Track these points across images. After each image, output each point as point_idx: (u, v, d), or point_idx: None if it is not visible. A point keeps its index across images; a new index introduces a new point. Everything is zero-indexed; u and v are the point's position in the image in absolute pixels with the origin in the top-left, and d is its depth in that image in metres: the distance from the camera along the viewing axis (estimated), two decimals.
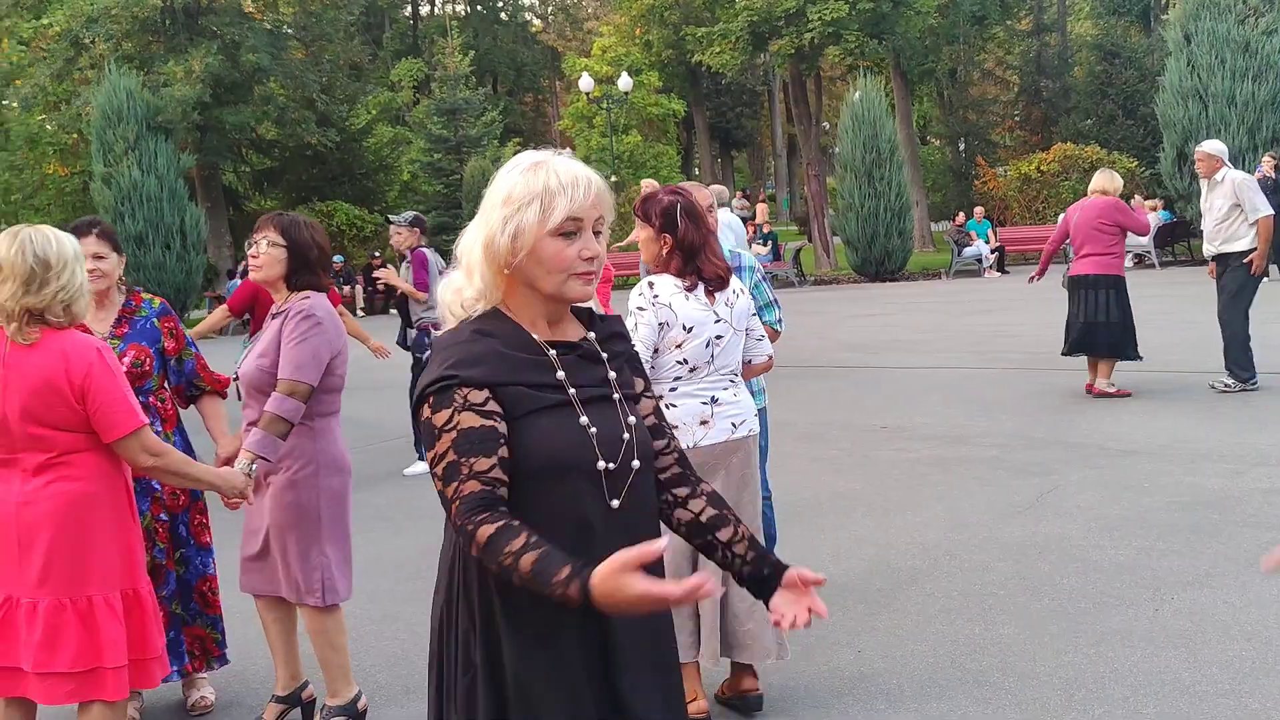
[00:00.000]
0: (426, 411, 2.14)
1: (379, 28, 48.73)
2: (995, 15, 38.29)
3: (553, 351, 2.22)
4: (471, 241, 2.22)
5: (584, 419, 2.19)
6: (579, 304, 2.26)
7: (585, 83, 35.01)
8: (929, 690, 4.48)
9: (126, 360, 4.41)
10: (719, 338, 4.25)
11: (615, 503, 2.20)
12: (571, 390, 2.21)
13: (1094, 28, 41.55)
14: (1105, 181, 10.39)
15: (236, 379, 4.45)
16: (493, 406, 2.13)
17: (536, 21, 63.27)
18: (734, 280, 4.38)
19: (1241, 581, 5.38)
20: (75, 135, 32.38)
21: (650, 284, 4.26)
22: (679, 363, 4.22)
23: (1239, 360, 9.69)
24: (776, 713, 4.38)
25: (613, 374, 2.29)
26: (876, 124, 27.37)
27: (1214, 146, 10.13)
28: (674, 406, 4.21)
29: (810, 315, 18.73)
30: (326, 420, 4.29)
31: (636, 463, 2.23)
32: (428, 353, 8.36)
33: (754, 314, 4.46)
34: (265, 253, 4.32)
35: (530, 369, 2.19)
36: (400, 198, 34.72)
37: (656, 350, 4.21)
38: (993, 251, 27.21)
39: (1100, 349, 10.11)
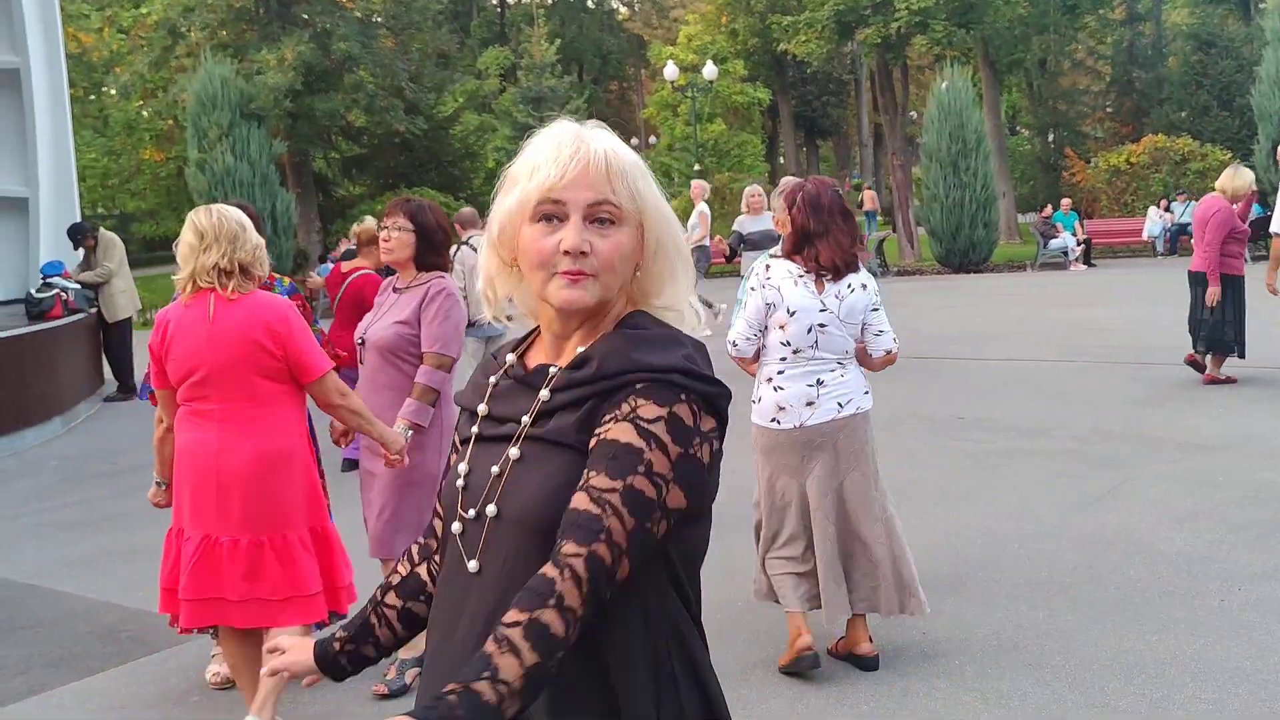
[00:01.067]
0: None
1: (466, 16, 49.23)
2: (1087, 4, 37.63)
3: (494, 377, 1.84)
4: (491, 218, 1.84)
5: (463, 463, 1.80)
6: (568, 311, 1.73)
7: (670, 71, 35.07)
8: (990, 671, 4.58)
9: None
10: (822, 325, 4.46)
11: (472, 564, 1.71)
12: (474, 428, 1.82)
13: (1190, 17, 40.70)
14: (1223, 180, 10.25)
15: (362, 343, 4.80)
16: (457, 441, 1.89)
17: (623, 9, 63.44)
18: (858, 275, 4.54)
19: None
20: (170, 121, 33.23)
21: (767, 265, 4.55)
22: (783, 344, 4.48)
23: None
24: (839, 690, 4.50)
25: (541, 411, 1.72)
26: (963, 114, 27.12)
27: None
28: (781, 389, 4.48)
29: (893, 307, 18.56)
30: (448, 391, 4.67)
31: (492, 509, 1.70)
32: None
33: (874, 309, 4.60)
34: (396, 236, 4.70)
35: (474, 396, 1.86)
36: (485, 185, 35.09)
37: (766, 329, 4.51)
38: (1079, 244, 26.87)
39: (1200, 343, 10.21)
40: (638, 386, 1.66)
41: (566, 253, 1.68)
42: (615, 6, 62.48)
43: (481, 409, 1.81)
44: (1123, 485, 7.16)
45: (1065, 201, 28.76)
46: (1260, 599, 5.16)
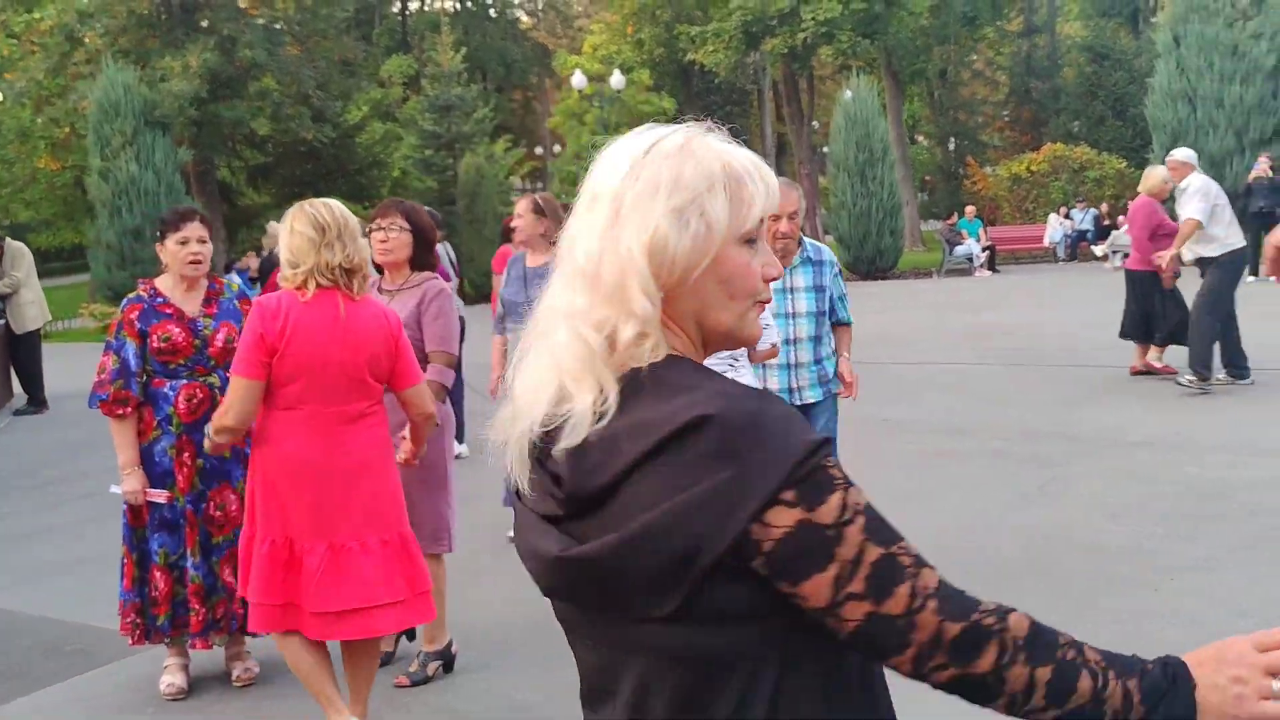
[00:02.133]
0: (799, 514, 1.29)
1: (369, 24, 48.79)
2: (986, 16, 38.59)
3: None
4: (613, 245, 1.41)
5: None
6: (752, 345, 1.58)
7: (578, 80, 35.19)
8: None
9: (220, 338, 4.75)
10: None
11: None
12: None
13: (1083, 29, 41.88)
14: (1142, 182, 10.92)
15: None
16: None
17: (526, 18, 63.41)
18: None
19: (1241, 564, 5.61)
20: (67, 129, 32.42)
21: None
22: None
23: (1203, 359, 9.83)
24: None
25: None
26: (869, 123, 27.60)
27: (1185, 154, 10.51)
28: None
29: None
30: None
31: None
32: None
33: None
34: (395, 236, 4.76)
35: None
36: (392, 194, 34.84)
37: None
38: (984, 250, 27.47)
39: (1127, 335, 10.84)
40: (815, 474, 1.36)
41: (768, 281, 1.46)
42: (519, 15, 62.42)
43: None
44: (1053, 482, 7.36)
45: (970, 209, 29.40)
46: (1195, 587, 5.35)
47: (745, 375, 4.73)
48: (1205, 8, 24.68)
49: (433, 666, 4.79)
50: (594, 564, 1.33)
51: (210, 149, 29.83)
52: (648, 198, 1.41)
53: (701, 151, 1.45)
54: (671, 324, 1.42)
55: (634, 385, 1.35)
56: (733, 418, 1.29)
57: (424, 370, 4.50)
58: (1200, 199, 9.98)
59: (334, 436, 3.88)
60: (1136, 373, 10.71)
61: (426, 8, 58.95)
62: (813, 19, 30.77)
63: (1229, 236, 10.04)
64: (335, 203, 3.99)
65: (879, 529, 1.35)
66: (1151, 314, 10.57)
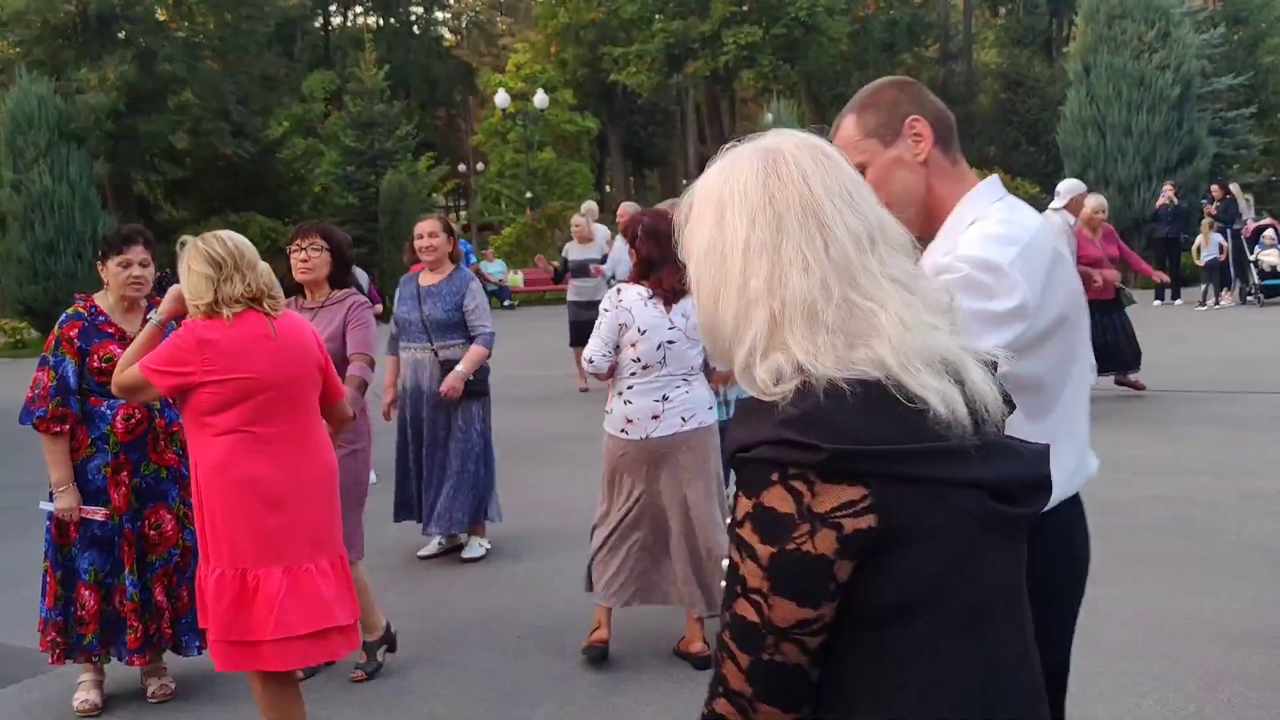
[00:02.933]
0: None
1: (291, 39, 48.48)
2: (904, 43, 39.36)
3: None
4: (817, 267, 1.41)
5: None
6: None
7: (501, 99, 35.26)
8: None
9: None
10: (670, 342, 4.77)
11: None
12: None
13: (999, 57, 42.83)
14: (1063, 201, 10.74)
15: None
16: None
17: (450, 36, 63.37)
18: None
19: (1121, 577, 5.81)
20: None
21: (619, 290, 4.88)
22: (634, 360, 4.77)
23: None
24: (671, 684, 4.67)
25: None
26: None
27: (1064, 186, 10.77)
28: (630, 403, 4.78)
29: None
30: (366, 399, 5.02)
31: None
32: None
33: None
34: (316, 255, 4.98)
35: None
36: (313, 210, 34.60)
37: (618, 347, 4.80)
38: None
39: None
40: (738, 473, 1.38)
41: None
42: (442, 33, 62.37)
43: None
44: None
45: None
46: (1087, 601, 5.53)
47: (701, 387, 4.90)
48: (1114, 39, 25.41)
49: (381, 653, 5.01)
50: None
51: (127, 163, 29.46)
52: (823, 202, 1.48)
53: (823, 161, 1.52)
54: None
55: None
56: None
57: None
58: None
59: (281, 457, 3.77)
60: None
61: (349, 24, 58.74)
62: (734, 43, 31.21)
63: None
64: (230, 235, 3.87)
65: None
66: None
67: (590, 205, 14.74)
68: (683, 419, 4.78)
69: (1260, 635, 4.95)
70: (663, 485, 4.80)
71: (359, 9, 58.99)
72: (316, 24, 56.38)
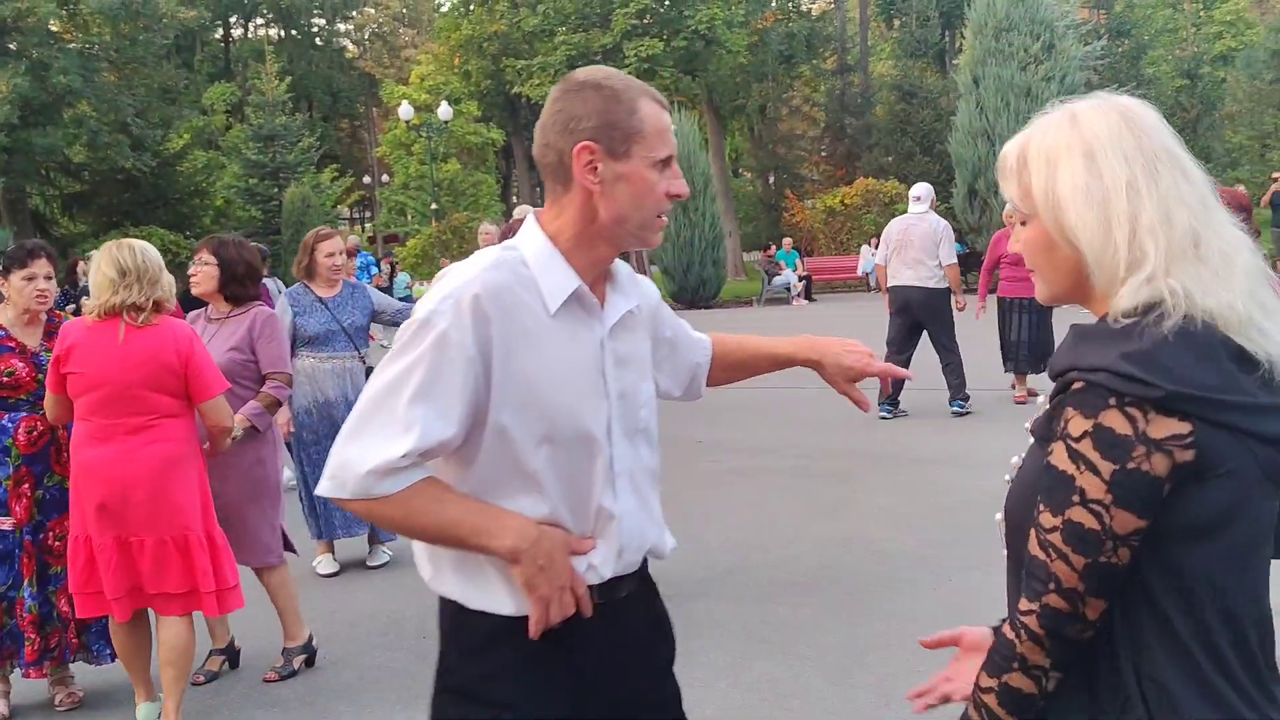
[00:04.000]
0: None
1: (190, 50, 47.86)
2: (802, 55, 40.01)
3: None
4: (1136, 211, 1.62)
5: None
6: None
7: (405, 110, 35.23)
8: (742, 662, 5.11)
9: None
10: None
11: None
12: None
13: (893, 69, 43.70)
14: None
15: None
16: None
17: (352, 47, 62.96)
18: None
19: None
20: None
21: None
22: None
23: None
24: None
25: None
26: (691, 157, 28.38)
27: (922, 190, 11.20)
28: None
29: None
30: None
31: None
32: None
33: None
34: (202, 270, 5.19)
35: None
36: (215, 223, 34.23)
37: None
38: (800, 280, 28.47)
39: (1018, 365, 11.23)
40: (1072, 391, 1.59)
41: None
42: (344, 44, 61.96)
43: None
44: (852, 496, 7.93)
45: (787, 240, 30.45)
46: (968, 586, 5.89)
47: None
48: (1001, 51, 26.21)
49: (298, 660, 5.17)
50: None
51: (22, 177, 28.92)
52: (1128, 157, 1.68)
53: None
54: None
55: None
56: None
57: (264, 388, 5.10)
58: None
59: (118, 445, 4.34)
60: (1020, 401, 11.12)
61: (250, 35, 58.10)
62: (636, 55, 31.55)
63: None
64: (143, 246, 4.45)
65: None
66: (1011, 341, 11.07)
67: (488, 226, 14.84)
68: None
69: None
70: None
71: (259, 20, 58.43)
72: (216, 35, 55.72)
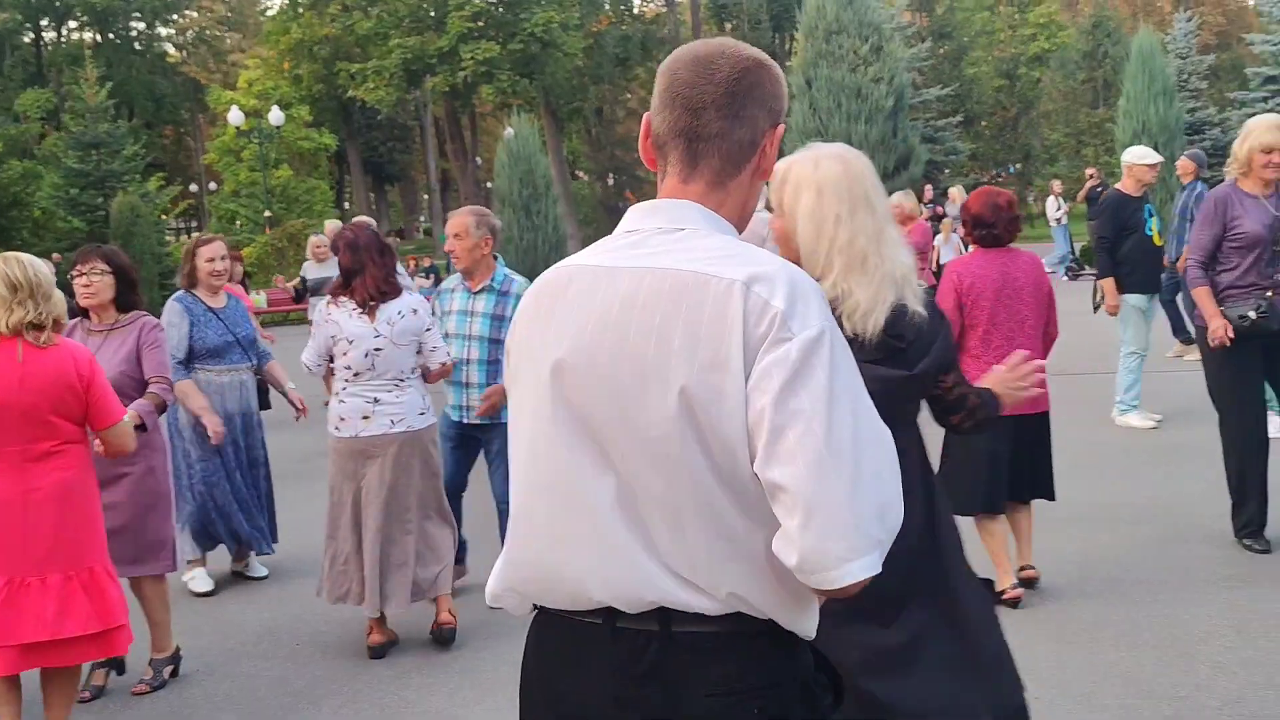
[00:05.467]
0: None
1: None
2: (637, 57, 40.42)
3: None
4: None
5: None
6: None
7: (235, 116, 34.38)
8: None
9: None
10: (378, 349, 5.12)
11: None
12: None
13: None
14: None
15: None
16: None
17: (174, 51, 61.14)
18: (404, 301, 5.22)
19: None
20: None
21: (328, 302, 5.22)
22: (345, 368, 5.14)
23: None
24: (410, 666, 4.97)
25: None
26: (531, 160, 28.31)
27: None
28: (343, 403, 5.15)
29: None
30: (162, 418, 5.11)
31: None
32: None
33: (428, 330, 5.28)
34: (98, 280, 4.97)
35: None
36: (34, 236, 32.85)
37: (332, 357, 5.18)
38: None
39: None
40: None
41: None
42: (166, 49, 60.11)
43: None
44: None
45: None
46: None
47: (414, 393, 5.21)
48: (832, 54, 26.94)
49: (166, 671, 5.10)
50: None
51: None
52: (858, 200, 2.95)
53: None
54: None
55: None
56: None
57: (145, 396, 4.85)
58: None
59: (17, 475, 4.01)
60: None
61: (64, 39, 55.89)
62: (472, 59, 31.46)
63: None
64: (29, 259, 4.15)
65: None
66: None
67: (333, 224, 14.67)
68: (391, 421, 5.11)
69: None
70: (366, 483, 5.11)
71: (73, 24, 56.22)
72: (26, 39, 53.45)
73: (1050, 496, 5.48)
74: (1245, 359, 5.79)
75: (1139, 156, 8.57)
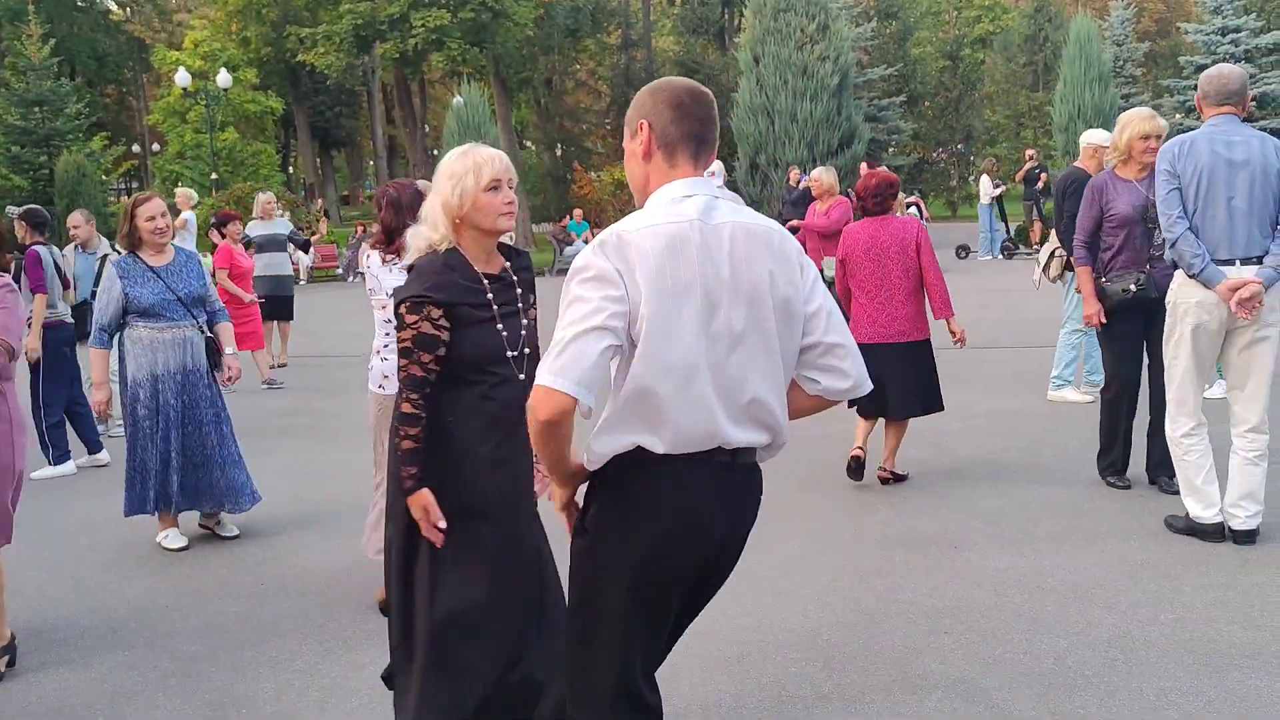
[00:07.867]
0: (404, 310, 3.45)
1: None
2: (587, 29, 40.54)
3: (485, 281, 3.56)
4: (431, 205, 3.55)
5: (500, 326, 3.57)
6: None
7: (182, 77, 34.16)
8: None
9: None
10: None
11: (521, 375, 3.57)
12: (495, 308, 3.56)
13: (676, 45, 44.71)
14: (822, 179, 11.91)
15: None
16: (444, 321, 3.45)
17: (117, 9, 60.24)
18: None
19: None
20: None
21: (368, 255, 5.26)
22: (385, 321, 5.12)
23: None
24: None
25: (519, 292, 3.67)
26: (480, 128, 28.57)
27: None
28: (386, 360, 5.13)
29: None
30: (11, 384, 4.81)
31: (528, 349, 3.65)
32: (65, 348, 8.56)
33: None
34: None
35: (472, 294, 3.51)
36: None
37: (372, 307, 5.21)
38: None
39: None
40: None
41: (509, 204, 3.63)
42: (109, 7, 59.23)
43: (489, 297, 3.55)
44: None
45: (578, 212, 31.00)
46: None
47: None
48: (779, 31, 27.32)
49: (3, 663, 4.80)
50: None
51: None
52: (441, 181, 3.60)
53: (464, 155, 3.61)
54: (464, 231, 3.57)
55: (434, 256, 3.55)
56: (419, 268, 3.55)
57: None
58: None
59: None
60: None
61: None
62: (423, 25, 31.48)
63: None
64: None
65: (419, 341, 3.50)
66: None
67: (267, 196, 14.77)
68: None
69: None
70: None
71: None
72: None
73: (939, 409, 7.05)
74: (1127, 326, 6.67)
75: (1105, 138, 8.49)
